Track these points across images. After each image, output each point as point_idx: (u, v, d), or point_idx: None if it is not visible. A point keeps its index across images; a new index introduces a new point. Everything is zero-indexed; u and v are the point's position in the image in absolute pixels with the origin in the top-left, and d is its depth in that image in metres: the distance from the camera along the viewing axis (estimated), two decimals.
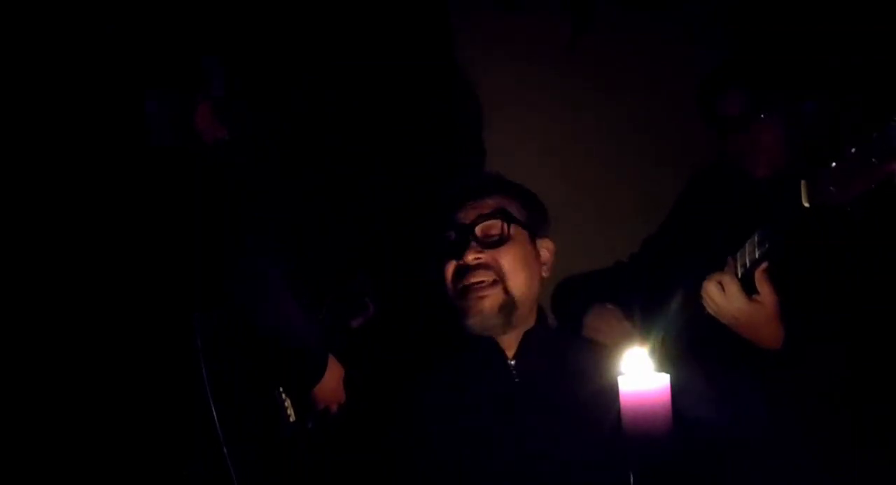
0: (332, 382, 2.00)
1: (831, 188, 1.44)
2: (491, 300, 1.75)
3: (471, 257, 1.76)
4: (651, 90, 2.67)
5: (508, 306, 1.75)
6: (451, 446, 1.72)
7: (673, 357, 1.84)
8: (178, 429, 1.75)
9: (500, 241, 1.78)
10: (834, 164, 1.43)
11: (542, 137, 2.68)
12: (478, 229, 1.78)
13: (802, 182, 1.49)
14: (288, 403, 2.00)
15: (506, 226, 1.78)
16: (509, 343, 1.79)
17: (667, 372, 1.23)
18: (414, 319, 2.48)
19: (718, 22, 2.60)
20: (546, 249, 1.86)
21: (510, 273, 1.76)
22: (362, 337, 2.22)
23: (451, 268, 1.79)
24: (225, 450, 1.72)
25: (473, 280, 1.76)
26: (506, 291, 1.76)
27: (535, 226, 1.85)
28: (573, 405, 1.69)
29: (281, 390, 1.99)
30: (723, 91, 2.08)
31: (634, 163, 2.66)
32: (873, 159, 1.38)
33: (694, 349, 1.83)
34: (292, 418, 2.00)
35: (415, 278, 2.52)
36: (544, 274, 1.86)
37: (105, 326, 1.78)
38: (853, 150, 1.40)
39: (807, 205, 1.49)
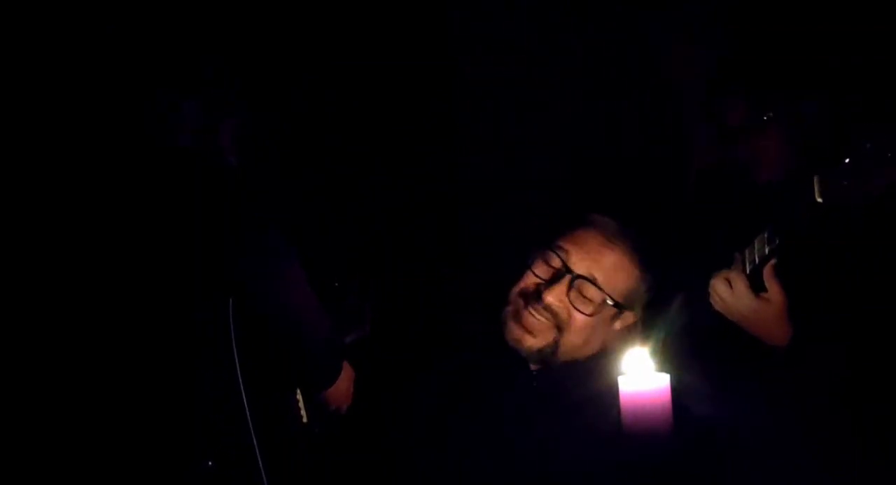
0: (344, 384, 2.01)
1: (845, 183, 1.42)
2: (536, 341, 1.68)
3: (550, 299, 1.66)
4: (652, 89, 2.67)
5: (547, 353, 1.68)
6: (462, 450, 1.70)
7: (673, 357, 1.84)
8: (207, 418, 1.75)
9: (586, 305, 1.67)
10: (848, 159, 1.41)
11: (542, 137, 2.68)
12: (579, 283, 1.67)
13: (815, 177, 1.47)
14: (301, 404, 2.01)
15: (603, 302, 1.68)
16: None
17: (667, 372, 1.23)
18: (416, 320, 2.49)
19: (718, 22, 2.60)
20: (623, 320, 1.73)
21: (570, 332, 1.67)
22: (367, 340, 2.22)
23: (527, 283, 1.70)
24: (255, 442, 1.73)
25: (534, 315, 1.67)
26: (555, 341, 1.67)
27: (632, 303, 1.73)
28: (593, 419, 1.66)
29: (297, 390, 2.00)
30: (724, 99, 2.08)
31: (634, 162, 2.66)
32: (889, 154, 1.36)
33: (694, 349, 1.83)
34: (304, 420, 2.00)
35: (419, 278, 2.53)
36: (607, 339, 1.73)
37: (128, 319, 1.78)
38: (868, 145, 1.39)
39: (820, 200, 1.46)
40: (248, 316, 1.78)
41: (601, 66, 2.70)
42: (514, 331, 1.69)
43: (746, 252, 1.68)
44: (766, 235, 1.63)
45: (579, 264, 1.69)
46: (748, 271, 1.68)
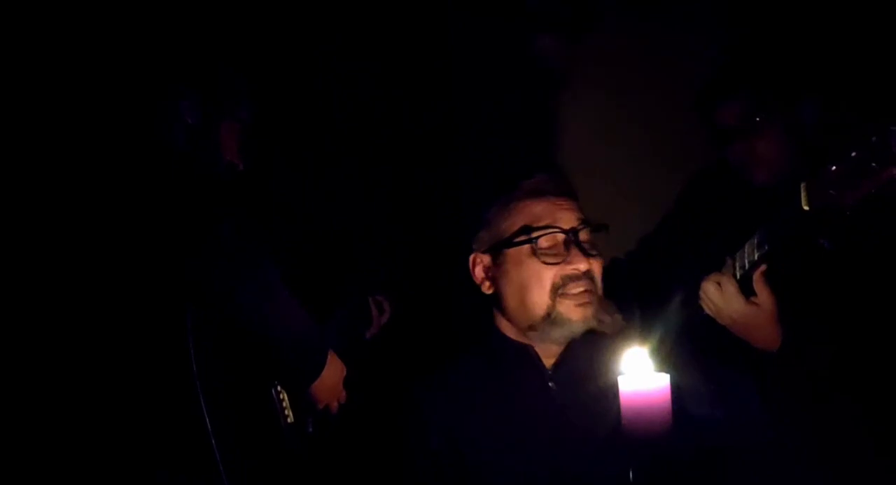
0: (331, 379, 1.97)
1: (831, 192, 1.44)
2: (592, 307, 1.68)
3: (584, 266, 1.67)
4: (652, 90, 2.67)
5: (598, 314, 1.69)
6: (480, 453, 1.69)
7: (673, 357, 1.84)
8: (167, 434, 1.74)
9: (595, 249, 1.71)
10: (834, 167, 1.43)
11: (542, 137, 2.69)
12: (582, 235, 1.70)
13: (802, 185, 1.50)
14: (286, 404, 1.98)
15: (600, 235, 1.72)
16: (548, 352, 1.73)
17: (666, 372, 1.23)
18: (416, 321, 2.49)
19: (719, 21, 2.61)
20: None
21: (598, 283, 1.70)
22: (378, 341, 2.22)
23: (554, 273, 1.68)
24: (217, 455, 1.71)
25: (580, 289, 1.67)
26: (597, 299, 1.69)
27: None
28: (607, 413, 1.65)
29: (279, 390, 1.97)
30: (720, 102, 2.08)
31: (634, 163, 2.67)
32: (873, 164, 1.37)
33: (694, 349, 1.84)
34: (290, 420, 1.97)
35: (419, 279, 2.53)
36: None
37: (93, 327, 1.77)
38: (853, 154, 1.40)
39: (806, 208, 1.49)
40: (210, 319, 1.77)
41: (601, 66, 2.70)
42: (577, 313, 1.67)
43: (737, 257, 1.70)
44: (755, 241, 1.64)
45: (567, 219, 1.70)
46: (738, 276, 1.69)
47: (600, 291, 1.70)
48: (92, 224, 1.79)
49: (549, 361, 1.72)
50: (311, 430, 2.01)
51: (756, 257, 1.65)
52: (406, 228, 2.61)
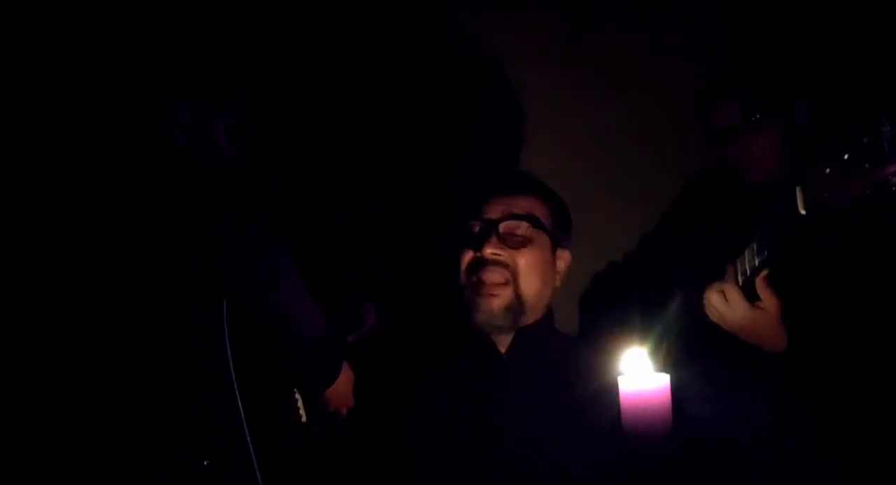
0: (343, 385, 2.02)
1: (826, 195, 1.44)
2: (500, 300, 1.76)
3: (489, 251, 1.76)
4: (652, 90, 2.67)
5: (516, 308, 1.76)
6: (447, 443, 1.73)
7: (672, 358, 1.84)
8: (202, 417, 1.76)
9: (522, 242, 1.78)
10: (827, 170, 1.43)
11: (542, 138, 2.68)
12: (502, 226, 1.78)
13: (798, 189, 1.50)
14: (300, 403, 2.02)
15: (531, 229, 1.79)
16: (505, 340, 1.78)
17: (667, 372, 1.24)
18: (414, 320, 2.49)
19: (719, 21, 2.61)
20: (563, 259, 1.87)
21: (524, 276, 1.77)
22: (363, 343, 2.23)
23: (467, 258, 1.80)
24: (249, 441, 1.74)
25: (486, 278, 1.76)
26: (516, 293, 1.76)
27: (559, 235, 1.86)
28: (565, 403, 1.70)
29: (295, 389, 2.01)
30: (715, 103, 2.08)
31: (634, 163, 2.67)
32: (866, 165, 1.38)
33: (694, 350, 1.84)
34: (303, 419, 2.01)
35: (415, 278, 2.53)
36: (557, 283, 1.86)
37: (101, 324, 1.79)
38: (845, 156, 1.40)
39: (803, 212, 1.49)
40: (242, 316, 1.79)
41: (601, 66, 2.70)
42: (479, 303, 1.77)
43: (738, 264, 1.70)
44: (755, 247, 1.65)
45: (494, 212, 1.81)
46: (741, 283, 1.70)
47: (520, 284, 1.77)
48: (94, 225, 1.80)
49: (503, 349, 1.80)
50: (318, 431, 2.04)
51: (757, 263, 1.65)
52: (406, 228, 2.61)
